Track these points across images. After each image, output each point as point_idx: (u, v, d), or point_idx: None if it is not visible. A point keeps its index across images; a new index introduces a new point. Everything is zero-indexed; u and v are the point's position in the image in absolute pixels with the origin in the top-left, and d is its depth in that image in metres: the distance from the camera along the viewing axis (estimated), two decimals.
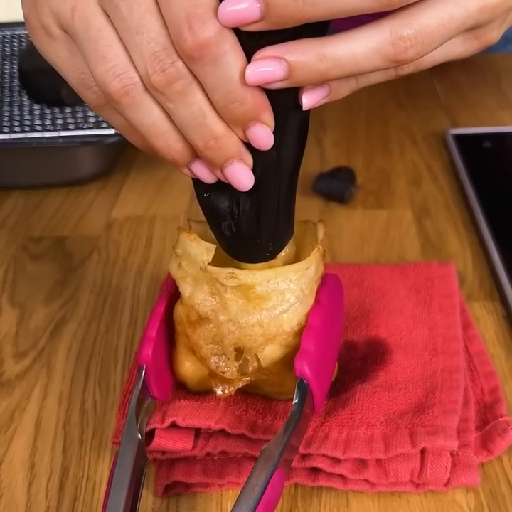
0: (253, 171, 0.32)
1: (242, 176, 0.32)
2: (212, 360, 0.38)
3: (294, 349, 0.37)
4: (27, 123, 0.66)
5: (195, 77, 0.29)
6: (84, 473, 0.41)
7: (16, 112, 0.67)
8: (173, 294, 0.40)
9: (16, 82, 0.72)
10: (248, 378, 0.38)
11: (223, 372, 0.38)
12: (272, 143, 0.31)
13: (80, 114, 0.66)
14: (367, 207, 0.61)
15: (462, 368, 0.42)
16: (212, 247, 0.37)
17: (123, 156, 0.69)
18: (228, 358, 0.38)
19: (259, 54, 0.29)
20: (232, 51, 0.28)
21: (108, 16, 0.30)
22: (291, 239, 0.38)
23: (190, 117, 0.30)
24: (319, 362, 0.37)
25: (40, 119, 0.66)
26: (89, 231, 0.61)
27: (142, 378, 0.38)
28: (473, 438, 0.39)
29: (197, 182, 0.34)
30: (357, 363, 0.43)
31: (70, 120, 0.66)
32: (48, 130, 0.65)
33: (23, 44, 0.79)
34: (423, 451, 0.37)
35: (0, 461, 0.42)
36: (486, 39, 0.32)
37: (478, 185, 0.60)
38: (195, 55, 0.28)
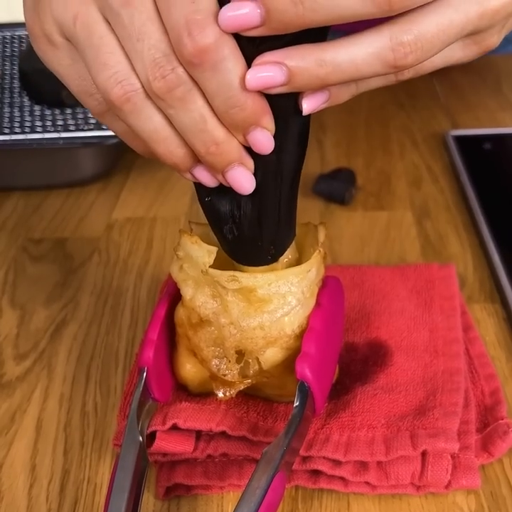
0: (254, 174, 0.32)
1: (244, 180, 0.32)
2: (214, 363, 0.38)
3: (295, 352, 0.37)
4: (27, 124, 0.66)
5: (195, 83, 0.29)
6: (85, 476, 0.41)
7: (17, 113, 0.68)
8: (174, 296, 0.40)
9: (16, 83, 0.72)
10: (249, 381, 0.38)
11: (224, 375, 0.38)
12: (273, 147, 0.31)
13: (80, 116, 0.66)
14: (367, 208, 0.61)
15: (463, 370, 0.42)
16: (214, 249, 0.37)
17: (123, 157, 0.69)
18: (229, 361, 0.38)
19: (259, 59, 0.29)
20: (231, 57, 0.28)
21: (109, 23, 0.30)
22: (293, 243, 0.38)
23: (191, 123, 0.30)
24: (320, 364, 0.37)
25: (40, 121, 0.66)
26: (89, 232, 0.61)
27: (143, 380, 0.38)
28: (473, 440, 0.39)
29: (199, 186, 0.34)
30: (358, 365, 0.43)
31: (70, 121, 0.66)
32: (49, 131, 0.65)
33: (24, 45, 0.79)
34: (424, 454, 0.37)
35: (0, 463, 0.42)
36: (486, 44, 0.32)
37: (479, 187, 0.60)
38: (195, 60, 0.28)
